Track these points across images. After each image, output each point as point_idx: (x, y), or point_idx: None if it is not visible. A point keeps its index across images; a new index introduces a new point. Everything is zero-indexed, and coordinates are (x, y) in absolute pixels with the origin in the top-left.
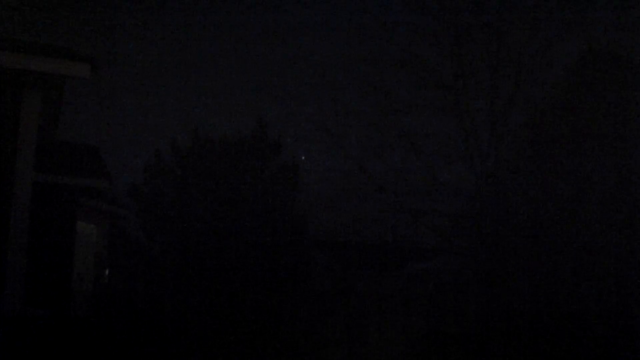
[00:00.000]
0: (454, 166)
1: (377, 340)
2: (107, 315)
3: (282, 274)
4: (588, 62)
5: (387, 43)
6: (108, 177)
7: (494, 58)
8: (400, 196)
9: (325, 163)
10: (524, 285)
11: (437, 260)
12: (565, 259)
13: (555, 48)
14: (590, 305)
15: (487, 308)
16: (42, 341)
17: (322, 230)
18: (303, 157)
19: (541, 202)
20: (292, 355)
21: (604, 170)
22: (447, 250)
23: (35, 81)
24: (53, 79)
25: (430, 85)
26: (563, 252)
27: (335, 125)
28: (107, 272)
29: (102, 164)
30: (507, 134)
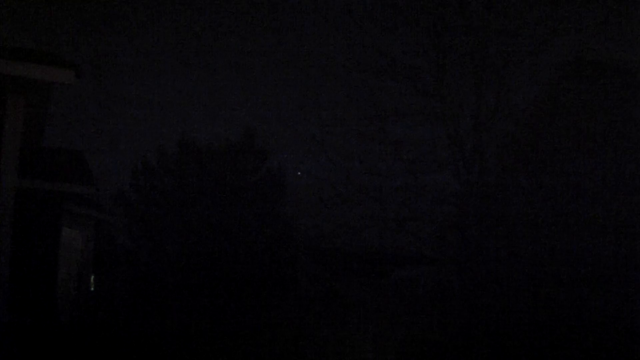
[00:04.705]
0: (439, 174)
1: (363, 346)
2: (91, 322)
3: (270, 280)
4: (573, 69)
5: (372, 50)
6: (94, 183)
7: (478, 66)
8: (385, 203)
9: (312, 170)
10: (510, 292)
11: (422, 267)
12: (556, 264)
13: (540, 56)
14: (582, 309)
15: (472, 315)
16: (26, 349)
17: (309, 237)
18: (299, 173)
19: (526, 210)
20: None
21: (591, 176)
22: (433, 258)
23: (19, 87)
24: (37, 85)
25: (415, 93)
26: (552, 257)
27: (321, 132)
28: (92, 278)
29: (88, 170)
30: (491, 141)
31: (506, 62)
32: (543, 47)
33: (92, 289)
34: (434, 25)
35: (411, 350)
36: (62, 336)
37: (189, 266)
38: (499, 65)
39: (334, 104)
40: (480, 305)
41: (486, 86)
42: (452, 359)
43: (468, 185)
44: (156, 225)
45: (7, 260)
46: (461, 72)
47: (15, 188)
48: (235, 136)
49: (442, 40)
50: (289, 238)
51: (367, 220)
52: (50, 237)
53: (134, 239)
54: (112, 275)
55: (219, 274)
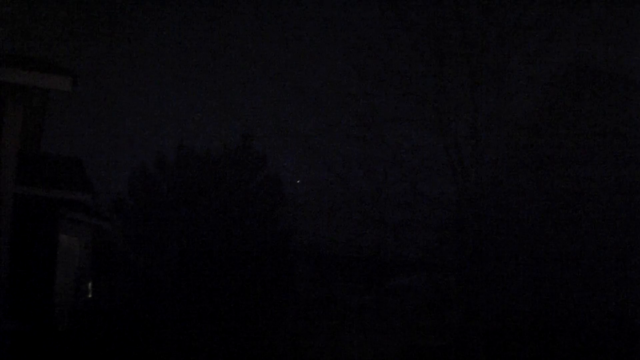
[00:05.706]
0: (437, 179)
1: (360, 352)
2: (89, 330)
3: (268, 286)
4: (570, 76)
5: (369, 57)
6: (91, 190)
7: (475, 73)
8: (383, 209)
9: (309, 175)
10: (508, 297)
11: (420, 273)
12: (554, 268)
13: (538, 63)
14: (584, 310)
15: (469, 321)
16: (23, 355)
17: (307, 243)
18: (298, 181)
19: (523, 216)
20: None
21: (589, 182)
22: (430, 264)
23: (17, 94)
24: (35, 92)
25: (412, 100)
26: (549, 260)
27: (318, 138)
28: (90, 285)
29: (85, 177)
30: (489, 147)
31: (504, 69)
32: (540, 54)
33: (90, 295)
34: (431, 32)
35: (409, 356)
36: (60, 344)
37: (187, 272)
38: (496, 71)
39: (332, 110)
40: (478, 310)
41: (484, 93)
42: None
43: (465, 191)
44: (154, 231)
45: (6, 267)
46: (459, 79)
47: (13, 195)
48: (233, 142)
49: (439, 47)
50: (287, 244)
51: (365, 227)
52: (48, 244)
53: (132, 246)
54: (110, 281)
55: (217, 280)
